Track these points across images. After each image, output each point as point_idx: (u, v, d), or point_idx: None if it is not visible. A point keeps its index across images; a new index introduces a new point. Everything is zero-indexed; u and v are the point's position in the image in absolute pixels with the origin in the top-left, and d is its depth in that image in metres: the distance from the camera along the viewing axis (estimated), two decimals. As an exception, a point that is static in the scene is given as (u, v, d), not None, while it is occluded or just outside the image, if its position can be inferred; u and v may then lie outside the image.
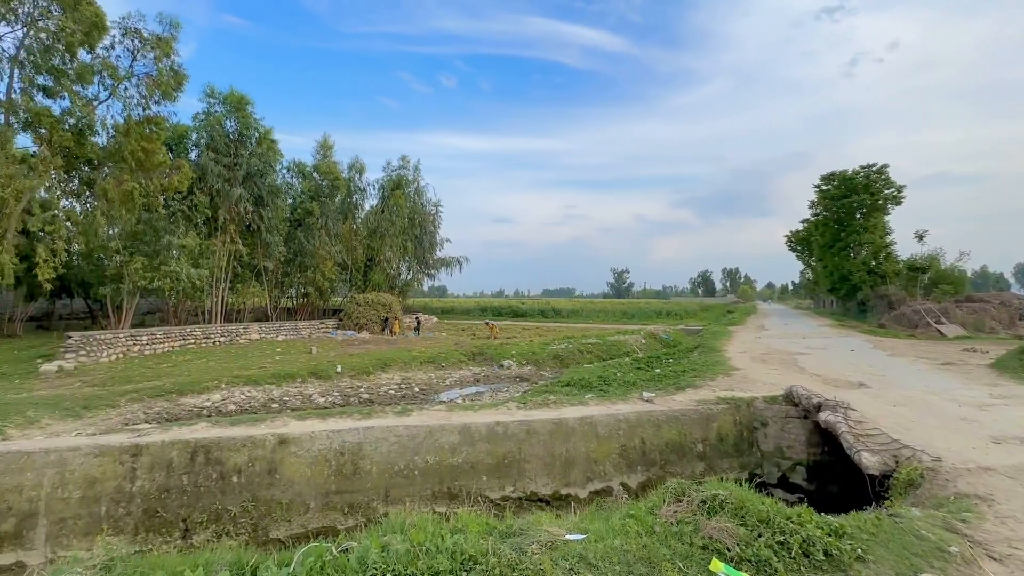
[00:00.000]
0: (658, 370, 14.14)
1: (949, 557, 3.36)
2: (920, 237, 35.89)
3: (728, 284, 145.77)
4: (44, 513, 5.94)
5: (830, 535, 3.28)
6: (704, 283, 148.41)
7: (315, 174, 32.05)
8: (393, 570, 2.53)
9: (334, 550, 2.82)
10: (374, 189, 37.50)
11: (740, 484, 4.22)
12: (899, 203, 36.80)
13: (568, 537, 3.07)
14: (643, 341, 25.20)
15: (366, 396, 15.05)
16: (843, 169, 38.77)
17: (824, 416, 7.01)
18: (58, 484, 6.08)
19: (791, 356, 14.56)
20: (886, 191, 36.87)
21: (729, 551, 2.97)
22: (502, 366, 19.69)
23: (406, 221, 35.76)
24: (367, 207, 37.23)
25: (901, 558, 3.28)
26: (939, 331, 24.76)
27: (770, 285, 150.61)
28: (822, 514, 3.68)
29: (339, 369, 16.01)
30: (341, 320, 29.42)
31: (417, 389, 16.37)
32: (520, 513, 6.05)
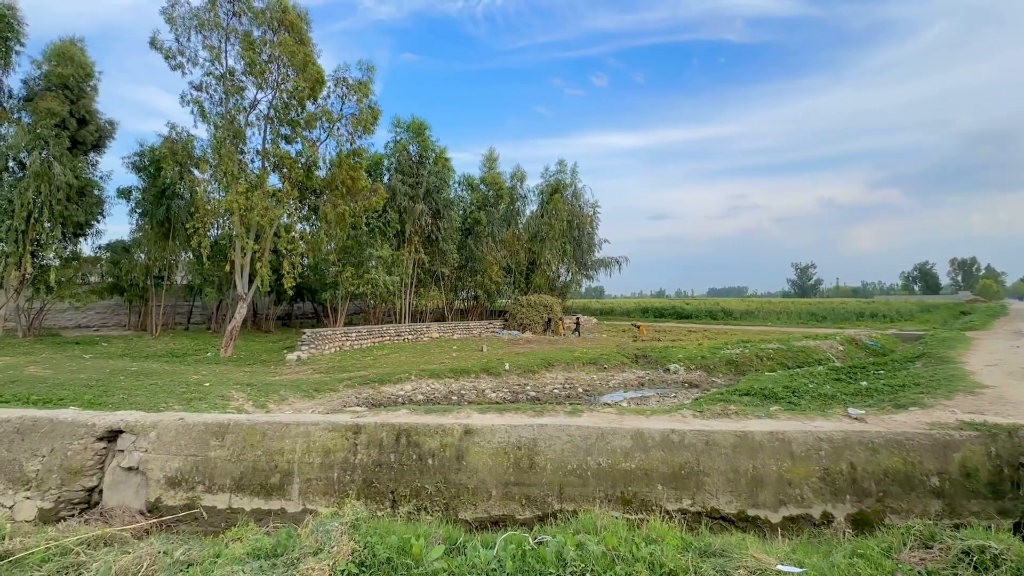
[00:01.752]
0: (864, 383, 12.01)
1: None
2: None
3: (960, 278, 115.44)
4: (297, 473, 7.52)
5: None
6: (923, 277, 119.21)
7: (482, 185, 34.77)
8: (592, 571, 2.58)
9: (531, 540, 2.99)
10: (534, 195, 39.13)
11: (1014, 534, 3.31)
12: None
13: (781, 568, 2.75)
14: (841, 348, 21.53)
15: (533, 394, 15.75)
16: None
17: None
18: (305, 451, 7.64)
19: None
20: None
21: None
22: (667, 370, 18.77)
23: (564, 224, 36.52)
24: (528, 213, 39.05)
25: None
26: None
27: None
28: None
29: (507, 367, 17.04)
30: (507, 321, 31.32)
31: (581, 389, 16.55)
32: (699, 529, 5.66)
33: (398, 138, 28.82)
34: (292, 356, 19.03)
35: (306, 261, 25.21)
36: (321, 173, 23.22)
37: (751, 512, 6.89)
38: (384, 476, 7.40)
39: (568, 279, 40.35)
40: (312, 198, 24.21)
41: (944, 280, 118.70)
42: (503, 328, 30.37)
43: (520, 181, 38.07)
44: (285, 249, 20.89)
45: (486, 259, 31.96)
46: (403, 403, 13.54)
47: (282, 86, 19.89)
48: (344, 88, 21.66)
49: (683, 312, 40.39)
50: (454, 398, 14.92)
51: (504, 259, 34.12)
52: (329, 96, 21.81)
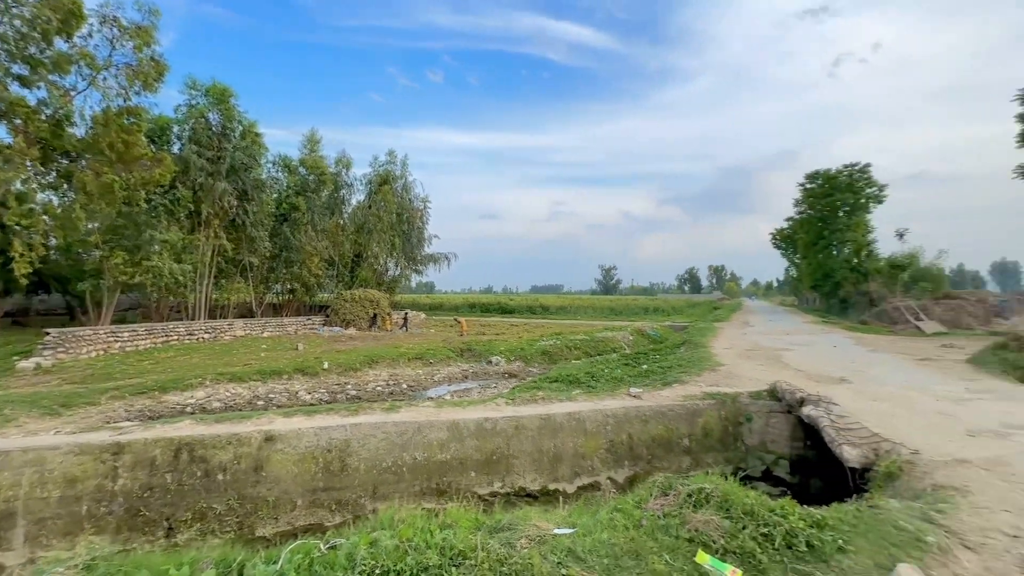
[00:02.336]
0: (645, 366, 14.26)
1: (926, 547, 3.45)
2: (901, 235, 36.63)
3: (714, 281, 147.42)
4: (22, 513, 5.80)
5: (812, 527, 3.35)
6: (691, 280, 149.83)
7: (301, 168, 31.71)
8: (382, 566, 2.53)
9: (322, 547, 2.81)
10: (361, 184, 37.23)
11: (725, 478, 4.28)
12: (881, 202, 37.52)
13: (556, 531, 3.10)
14: (631, 338, 25.39)
15: (353, 393, 14.96)
16: (827, 168, 39.42)
17: (807, 411, 7.14)
18: (37, 483, 5.95)
19: (775, 352, 14.78)
20: (868, 190, 37.54)
21: (715, 543, 3.02)
22: (490, 362, 19.71)
23: (394, 217, 35.55)
24: (354, 202, 36.95)
25: (880, 548, 3.36)
26: (918, 327, 25.32)
27: (755, 282, 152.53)
28: (804, 507, 3.76)
29: (326, 366, 15.89)
30: (328, 317, 29.18)
31: (405, 385, 16.32)
32: (509, 508, 6.09)
33: (194, 103, 24.41)
34: (27, 363, 14.69)
35: (53, 242, 19.64)
36: (79, 132, 18.35)
37: (552, 486, 7.65)
38: (156, 501, 6.20)
39: (397, 274, 39.44)
40: (64, 162, 18.96)
41: (705, 282, 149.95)
42: (324, 325, 28.21)
43: (346, 168, 35.81)
44: (18, 224, 15.98)
45: (305, 249, 29.23)
46: (193, 413, 11.53)
47: (14, 9, 15.15)
48: (115, 29, 17.50)
49: (507, 307, 43.05)
50: (260, 403, 13.29)
51: (326, 250, 31.66)
52: (92, 36, 17.39)
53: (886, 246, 38.96)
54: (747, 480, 8.51)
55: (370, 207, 35.40)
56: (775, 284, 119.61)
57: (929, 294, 32.30)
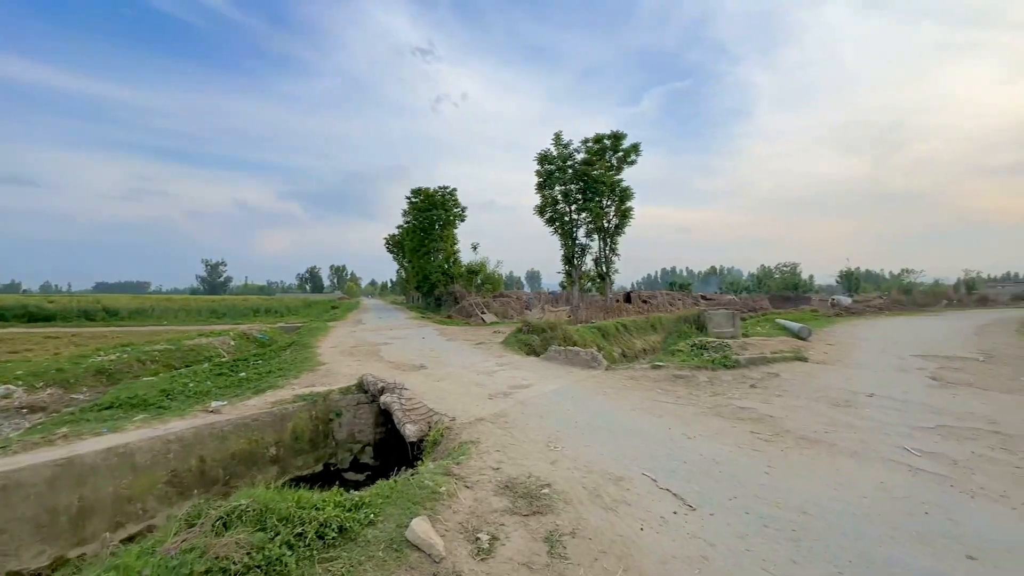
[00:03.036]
0: (243, 373, 12.86)
1: (438, 496, 4.29)
2: (475, 247, 47.06)
3: (336, 281, 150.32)
4: None
5: (349, 510, 3.61)
6: (312, 279, 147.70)
7: None
8: None
9: None
10: None
11: (315, 476, 4.13)
12: (463, 220, 47.16)
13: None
14: (232, 343, 22.46)
15: None
16: (426, 186, 46.52)
17: (383, 398, 7.96)
18: None
19: (376, 347, 16.10)
20: (455, 209, 46.62)
21: (235, 564, 2.78)
22: (-8, 395, 13.33)
23: None
24: None
25: (404, 510, 3.95)
26: (483, 319, 33.10)
27: (373, 282, 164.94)
28: (351, 492, 4.06)
29: None
30: None
31: None
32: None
33: None
34: None
35: None
36: None
37: (74, 553, 5.67)
38: None
39: None
40: None
41: (327, 282, 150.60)
42: None
43: None
44: None
45: None
46: None
47: None
48: None
49: (39, 314, 30.20)
50: None
51: None
52: None
53: (466, 255, 49.31)
54: (338, 474, 8.82)
55: None
56: (389, 284, 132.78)
57: (491, 293, 43.07)
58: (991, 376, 10.68)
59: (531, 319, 20.54)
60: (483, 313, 34.94)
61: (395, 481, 4.45)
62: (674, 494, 4.65)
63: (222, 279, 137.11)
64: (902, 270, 61.19)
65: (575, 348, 12.08)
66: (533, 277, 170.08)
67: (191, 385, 11.68)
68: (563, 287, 39.50)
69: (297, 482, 8.20)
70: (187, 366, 17.38)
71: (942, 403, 8.22)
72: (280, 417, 8.14)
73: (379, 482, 4.44)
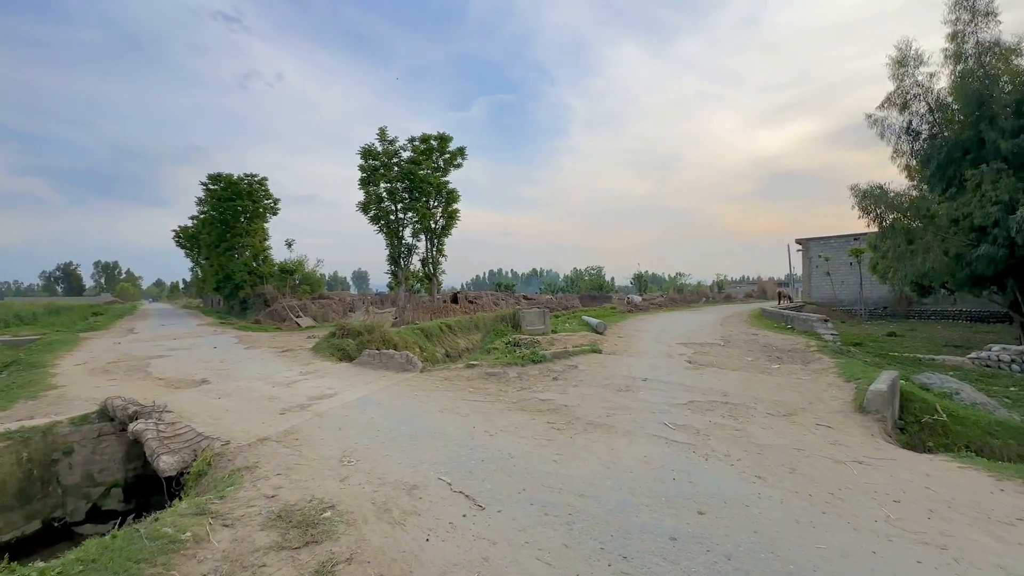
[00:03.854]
0: (-83, 409, 9.19)
1: (179, 545, 3.46)
2: (289, 244, 42.56)
3: (103, 280, 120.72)
4: None
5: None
6: (68, 278, 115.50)
7: None
8: None
9: None
10: None
11: (26, 541, 2.88)
12: (276, 213, 42.20)
13: None
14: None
15: None
16: (229, 173, 40.39)
17: (134, 426, 6.38)
18: None
19: (145, 361, 13.16)
20: (266, 201, 41.42)
21: None
22: None
23: None
24: None
25: (118, 574, 3.06)
26: (297, 323, 30.01)
27: (159, 283, 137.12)
28: (28, 564, 2.99)
29: None
30: None
31: None
32: None
33: None
34: None
35: None
36: None
37: None
38: None
39: None
40: None
41: (89, 282, 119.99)
42: None
43: None
44: None
45: None
46: None
47: None
48: None
49: None
50: None
51: None
52: None
53: (280, 253, 44.30)
54: (65, 530, 6.83)
55: None
56: (182, 285, 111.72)
57: (309, 295, 39.36)
58: (727, 357, 13.44)
59: (351, 322, 19.28)
60: (298, 317, 31.80)
61: (113, 536, 3.45)
62: (467, 495, 4.59)
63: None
64: (676, 273, 74.98)
65: (390, 351, 11.57)
66: (361, 278, 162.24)
67: None
68: (391, 288, 38.23)
69: (-7, 552, 6.08)
70: None
71: (693, 382, 9.99)
72: (-39, 467, 5.90)
73: (88, 542, 3.39)
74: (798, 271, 48.23)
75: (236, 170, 41.52)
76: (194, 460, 5.65)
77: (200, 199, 43.12)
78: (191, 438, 6.07)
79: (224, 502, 4.33)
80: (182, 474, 5.54)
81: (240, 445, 5.82)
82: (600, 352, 13.89)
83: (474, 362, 11.49)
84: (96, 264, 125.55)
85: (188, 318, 37.29)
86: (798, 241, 44.25)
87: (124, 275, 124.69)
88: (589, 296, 52.59)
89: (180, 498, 5.06)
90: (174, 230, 56.82)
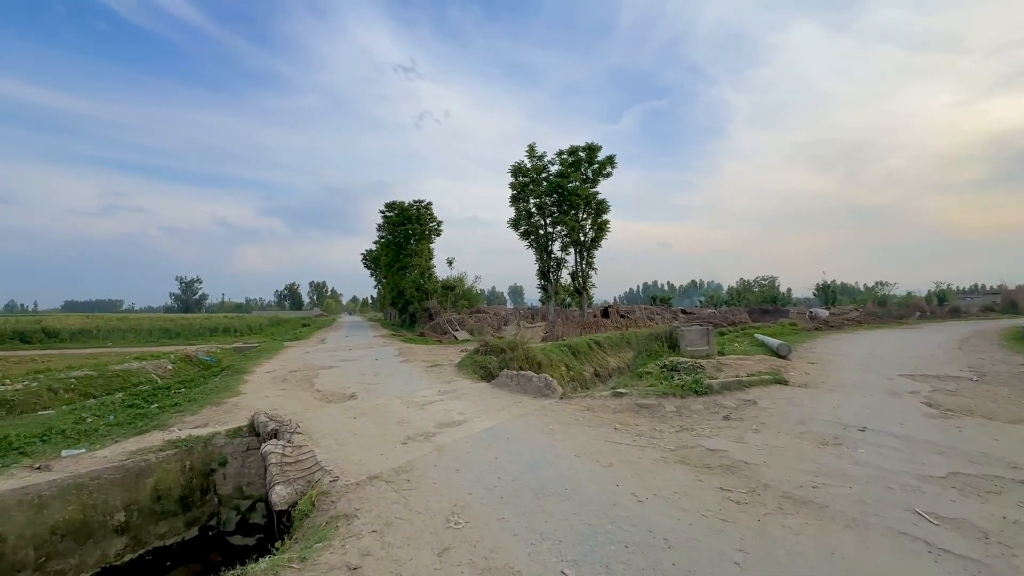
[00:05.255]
0: (155, 405, 11.16)
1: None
2: (450, 262, 45.52)
3: (315, 297, 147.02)
4: None
5: None
6: (292, 296, 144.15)
7: None
8: None
9: None
10: None
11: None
12: (439, 234, 45.66)
13: None
14: (171, 367, 20.47)
15: None
16: (401, 200, 45.06)
17: (264, 447, 6.34)
18: None
19: (316, 372, 14.40)
20: (431, 223, 45.14)
21: None
22: None
23: None
24: None
25: None
26: (455, 336, 31.45)
27: (354, 299, 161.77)
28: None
29: None
30: None
31: None
32: None
33: None
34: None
35: None
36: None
37: None
38: None
39: None
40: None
41: (306, 299, 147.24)
42: None
43: None
44: None
45: None
46: None
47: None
48: None
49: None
50: None
51: None
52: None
53: (442, 271, 47.73)
54: (220, 538, 7.12)
55: None
56: (369, 300, 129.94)
57: (467, 309, 41.44)
58: (991, 399, 9.42)
59: (495, 338, 19.03)
60: (455, 330, 33.34)
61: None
62: (596, 613, 3.14)
63: (197, 296, 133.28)
64: (876, 283, 61.06)
65: (527, 373, 10.57)
66: (516, 292, 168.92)
67: (90, 420, 10.00)
68: (542, 302, 38.09)
69: (159, 556, 6.53)
70: (108, 394, 15.49)
71: (947, 439, 6.87)
72: (135, 472, 6.44)
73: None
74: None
75: (411, 199, 45.96)
76: (304, 494, 5.22)
77: (379, 225, 48.92)
78: (309, 466, 5.73)
79: (303, 568, 3.60)
80: (294, 505, 5.15)
81: (348, 483, 5.24)
82: (786, 384, 10.96)
83: (622, 390, 9.82)
84: (311, 284, 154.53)
85: (368, 329, 42.04)
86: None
87: (330, 293, 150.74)
88: (760, 310, 45.66)
89: (283, 540, 4.60)
90: (362, 253, 65.85)
